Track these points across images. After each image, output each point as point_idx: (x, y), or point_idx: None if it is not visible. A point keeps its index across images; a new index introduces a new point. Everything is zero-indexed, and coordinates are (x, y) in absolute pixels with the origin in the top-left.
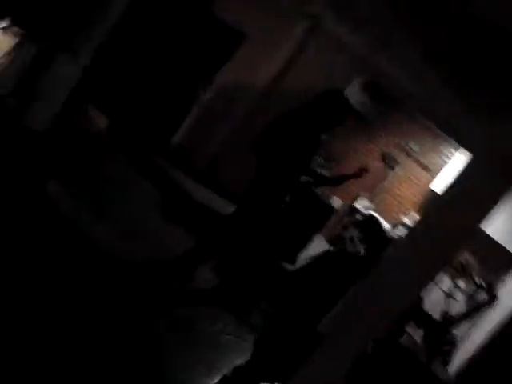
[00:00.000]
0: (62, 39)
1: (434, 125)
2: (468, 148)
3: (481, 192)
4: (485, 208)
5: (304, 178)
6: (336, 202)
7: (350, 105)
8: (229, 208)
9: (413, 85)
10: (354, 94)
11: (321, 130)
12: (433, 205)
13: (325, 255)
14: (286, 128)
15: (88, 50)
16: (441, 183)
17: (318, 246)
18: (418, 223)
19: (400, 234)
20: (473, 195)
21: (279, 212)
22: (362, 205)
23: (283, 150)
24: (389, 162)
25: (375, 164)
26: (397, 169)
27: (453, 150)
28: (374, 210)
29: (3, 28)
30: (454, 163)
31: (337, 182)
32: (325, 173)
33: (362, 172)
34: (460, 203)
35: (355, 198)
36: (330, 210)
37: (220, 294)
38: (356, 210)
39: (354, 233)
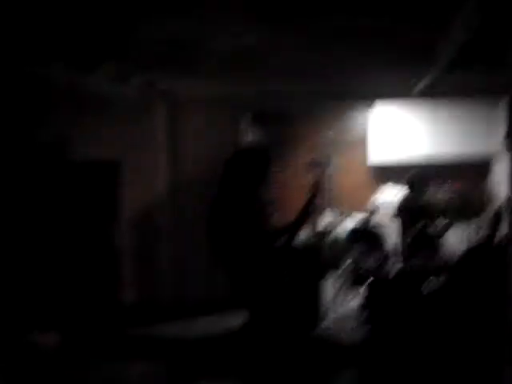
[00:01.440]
0: None
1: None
2: None
3: None
4: None
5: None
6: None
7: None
8: None
9: None
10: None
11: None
12: None
13: None
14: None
15: None
16: (375, 151)
17: None
18: None
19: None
20: None
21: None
22: (330, 217)
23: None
24: (321, 163)
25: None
26: (333, 162)
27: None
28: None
29: None
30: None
31: (305, 217)
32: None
33: (315, 189)
34: None
35: (319, 215)
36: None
37: None
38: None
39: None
